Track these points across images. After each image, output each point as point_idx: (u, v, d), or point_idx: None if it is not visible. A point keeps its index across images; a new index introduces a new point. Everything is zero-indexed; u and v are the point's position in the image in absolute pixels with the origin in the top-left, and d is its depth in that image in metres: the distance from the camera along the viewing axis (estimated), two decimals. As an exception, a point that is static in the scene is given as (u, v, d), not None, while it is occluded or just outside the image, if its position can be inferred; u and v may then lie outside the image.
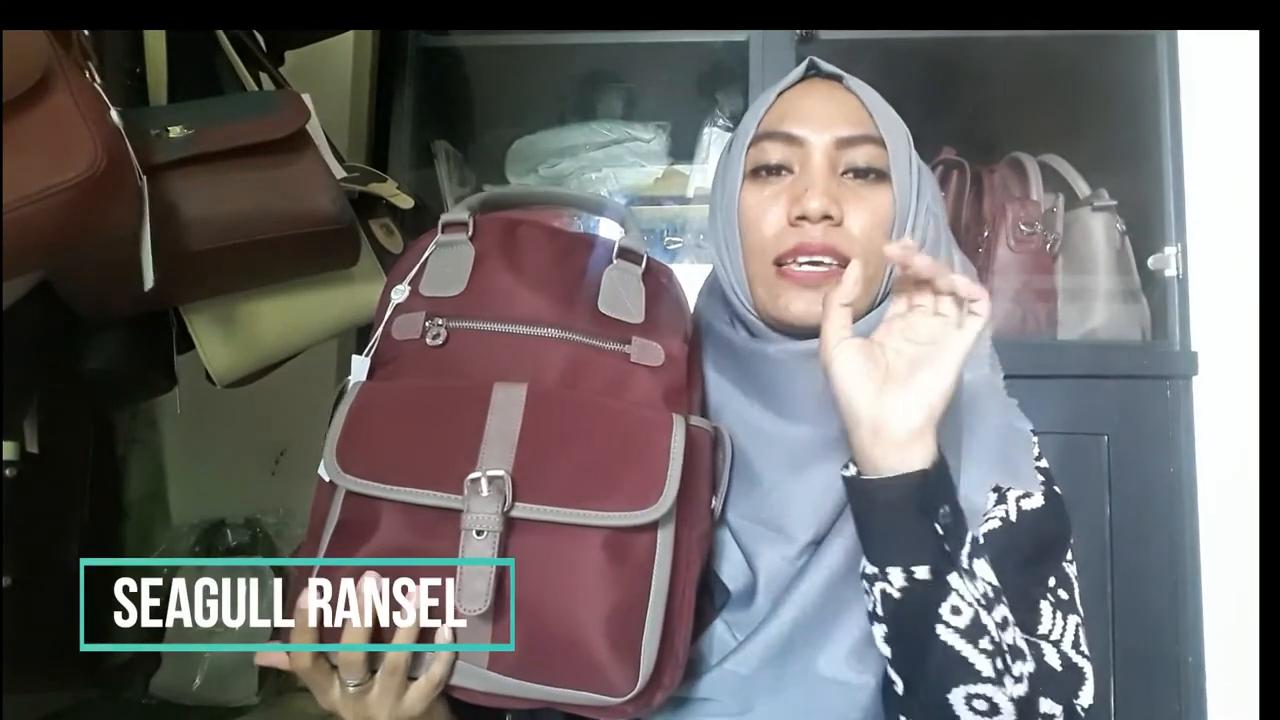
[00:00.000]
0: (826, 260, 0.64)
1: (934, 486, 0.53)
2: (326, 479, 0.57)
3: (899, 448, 0.53)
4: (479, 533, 0.53)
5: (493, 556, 0.52)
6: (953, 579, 0.53)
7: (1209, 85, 1.33)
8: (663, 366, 0.61)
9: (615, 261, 0.64)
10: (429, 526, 0.54)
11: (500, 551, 0.53)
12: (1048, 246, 1.38)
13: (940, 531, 0.53)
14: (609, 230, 0.72)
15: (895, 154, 0.66)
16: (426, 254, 0.64)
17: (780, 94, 0.69)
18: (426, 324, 0.61)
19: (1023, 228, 1.37)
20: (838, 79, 0.70)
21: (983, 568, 0.55)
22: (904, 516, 0.53)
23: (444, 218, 0.65)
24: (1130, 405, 1.29)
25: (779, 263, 0.65)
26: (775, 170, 0.67)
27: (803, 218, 0.64)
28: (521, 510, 0.53)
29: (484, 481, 0.53)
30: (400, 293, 0.63)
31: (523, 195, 0.76)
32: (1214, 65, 1.32)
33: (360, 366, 0.62)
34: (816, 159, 0.65)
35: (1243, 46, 1.27)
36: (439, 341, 0.60)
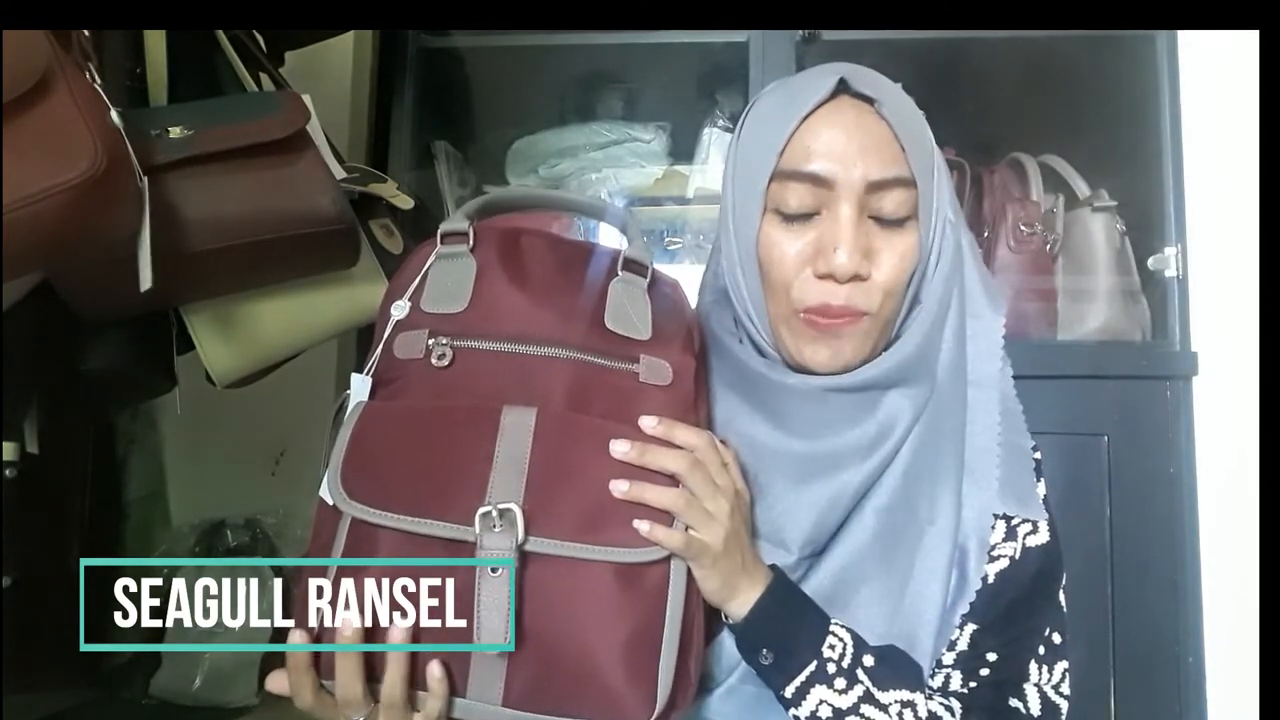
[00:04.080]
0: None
1: (745, 638, 0.60)
2: (330, 502, 0.56)
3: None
4: (494, 569, 0.52)
5: (510, 593, 0.51)
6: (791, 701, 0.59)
7: (1209, 85, 1.33)
8: (671, 385, 0.60)
9: (620, 274, 0.62)
10: (438, 556, 0.53)
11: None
12: (1048, 247, 1.38)
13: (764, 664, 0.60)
14: (609, 234, 0.71)
15: (924, 192, 0.62)
16: (427, 266, 0.62)
17: (804, 118, 0.62)
18: (430, 343, 0.59)
19: (1023, 228, 1.37)
20: (869, 101, 0.62)
21: (823, 691, 0.59)
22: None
23: (443, 227, 0.62)
24: (1130, 405, 1.29)
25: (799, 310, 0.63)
26: (800, 215, 0.63)
27: (829, 275, 0.61)
28: (534, 544, 0.53)
29: (495, 515, 0.52)
30: (401, 309, 0.60)
31: (523, 198, 0.74)
32: (1214, 65, 1.33)
33: (361, 386, 0.60)
34: (845, 209, 0.61)
35: (1243, 46, 1.27)
36: (445, 362, 0.58)
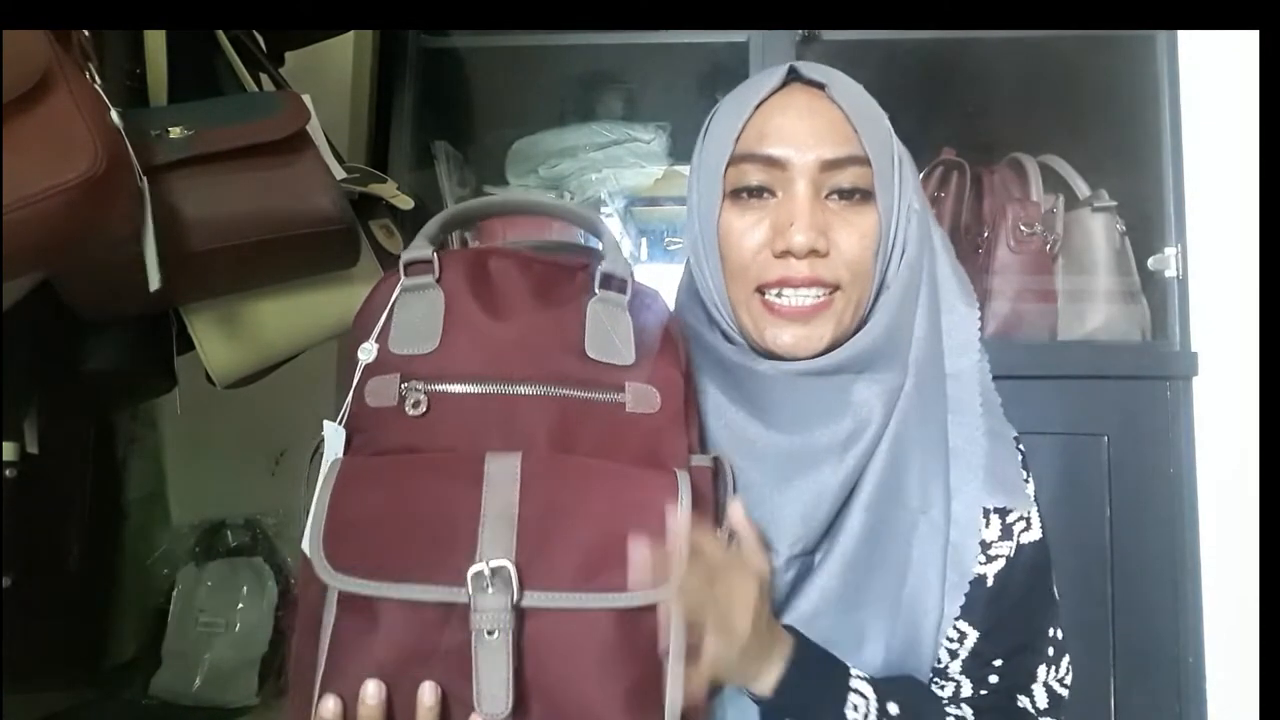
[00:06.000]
0: (813, 293, 0.62)
1: (770, 713, 0.59)
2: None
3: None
4: (490, 632, 0.50)
5: (506, 655, 0.50)
6: None
7: (1209, 85, 1.33)
8: (660, 410, 0.57)
9: (598, 292, 0.59)
10: (435, 623, 0.51)
11: (513, 643, 0.50)
12: (1048, 247, 1.38)
13: None
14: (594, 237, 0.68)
15: (880, 170, 0.63)
16: (392, 302, 0.58)
17: (758, 105, 0.64)
18: (403, 389, 0.55)
19: (1023, 228, 1.37)
20: (819, 86, 0.64)
21: None
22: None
23: (406, 256, 0.59)
24: (1130, 405, 1.29)
25: (761, 289, 0.63)
26: (756, 193, 0.64)
27: (788, 252, 0.61)
28: (531, 599, 0.50)
29: (487, 574, 0.50)
30: (368, 352, 0.57)
31: (485, 206, 0.70)
32: (1214, 65, 1.32)
33: (335, 438, 0.57)
34: (800, 186, 0.62)
35: (1243, 46, 1.27)
36: (420, 410, 0.55)
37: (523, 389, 0.55)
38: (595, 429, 0.56)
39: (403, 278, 0.59)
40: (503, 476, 0.52)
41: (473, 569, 0.50)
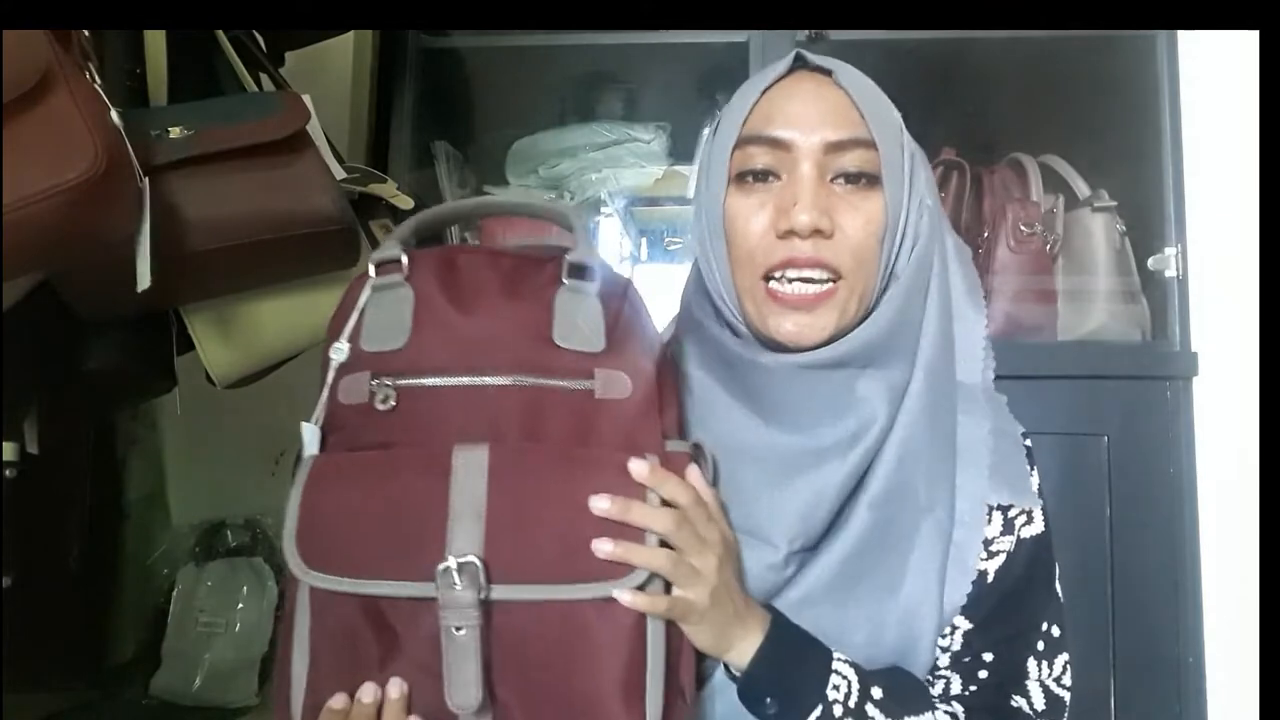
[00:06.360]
0: (817, 276, 0.62)
1: (747, 689, 0.59)
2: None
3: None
4: (458, 628, 0.50)
5: (475, 651, 0.50)
6: None
7: (1209, 85, 1.33)
8: (631, 395, 0.57)
9: (566, 282, 0.58)
10: (408, 617, 0.52)
11: (484, 636, 0.51)
12: (1048, 247, 1.38)
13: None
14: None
15: (887, 156, 0.63)
16: (362, 302, 0.59)
17: (765, 90, 0.65)
18: (373, 385, 0.56)
19: (1023, 228, 1.37)
20: (826, 73, 0.65)
21: None
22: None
23: (375, 256, 0.60)
24: (1130, 405, 1.29)
25: (767, 277, 0.63)
26: (761, 176, 0.64)
27: (791, 231, 0.61)
28: (501, 592, 0.51)
29: (454, 571, 0.50)
30: (340, 352, 0.58)
31: (455, 210, 0.71)
32: (1214, 65, 1.33)
33: (311, 437, 0.58)
34: (804, 167, 0.62)
35: (1243, 46, 1.27)
36: (389, 405, 0.56)
37: (491, 379, 0.55)
38: (564, 417, 0.56)
39: (373, 277, 0.59)
40: (470, 469, 0.52)
41: (440, 565, 0.50)
